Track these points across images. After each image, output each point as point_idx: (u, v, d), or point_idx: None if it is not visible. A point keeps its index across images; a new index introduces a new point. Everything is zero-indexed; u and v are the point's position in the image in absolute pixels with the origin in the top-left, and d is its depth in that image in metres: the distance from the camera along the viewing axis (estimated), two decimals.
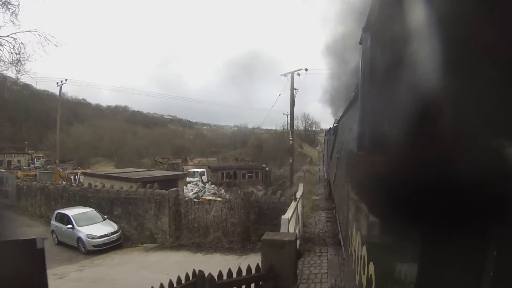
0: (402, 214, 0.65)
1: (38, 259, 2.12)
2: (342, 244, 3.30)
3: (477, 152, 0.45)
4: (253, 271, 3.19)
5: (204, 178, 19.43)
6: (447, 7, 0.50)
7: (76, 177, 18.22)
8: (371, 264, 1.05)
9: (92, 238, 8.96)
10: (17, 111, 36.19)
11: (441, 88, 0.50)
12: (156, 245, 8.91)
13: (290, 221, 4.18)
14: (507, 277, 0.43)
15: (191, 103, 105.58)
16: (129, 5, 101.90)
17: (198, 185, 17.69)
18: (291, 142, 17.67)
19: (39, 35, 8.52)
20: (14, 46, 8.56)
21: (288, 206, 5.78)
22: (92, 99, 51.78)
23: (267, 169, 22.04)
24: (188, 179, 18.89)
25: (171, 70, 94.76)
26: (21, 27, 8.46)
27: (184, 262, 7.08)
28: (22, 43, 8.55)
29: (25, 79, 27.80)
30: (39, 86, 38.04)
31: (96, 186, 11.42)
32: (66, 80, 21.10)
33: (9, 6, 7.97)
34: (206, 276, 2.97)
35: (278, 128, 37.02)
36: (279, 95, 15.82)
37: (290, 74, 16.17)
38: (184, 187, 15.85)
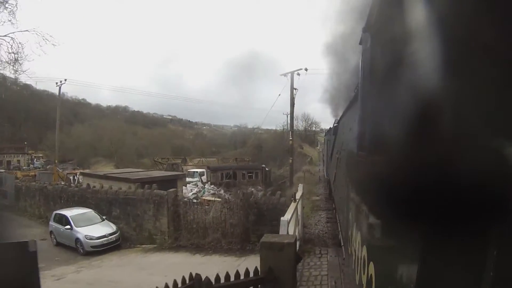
0: (402, 214, 0.65)
1: (31, 262, 2.07)
2: (342, 244, 3.27)
3: (477, 152, 0.45)
4: (251, 274, 3.11)
5: (204, 178, 19.38)
6: (447, 7, 0.50)
7: (75, 177, 18.16)
8: (371, 264, 1.05)
9: (91, 239, 8.91)
10: (17, 111, 36.21)
11: (441, 88, 0.49)
12: (155, 246, 8.85)
13: (289, 223, 4.12)
14: (507, 277, 0.42)
15: (191, 103, 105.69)
16: (129, 5, 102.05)
17: (197, 186, 17.64)
18: (291, 142, 17.65)
19: (37, 34, 8.46)
20: (12, 46, 8.51)
21: (288, 206, 5.72)
22: (92, 99, 51.87)
23: (266, 169, 21.99)
24: (187, 179, 18.85)
25: (171, 70, 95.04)
26: (19, 27, 8.42)
27: (182, 264, 7.02)
28: (20, 42, 8.51)
29: (25, 79, 27.80)
30: (39, 86, 38.14)
31: (94, 186, 11.37)
32: (65, 80, 21.14)
33: (6, 5, 7.92)
34: (203, 279, 2.89)
35: (278, 128, 37.03)
36: (279, 95, 15.86)
37: (290, 74, 16.17)
38: (184, 187, 15.80)
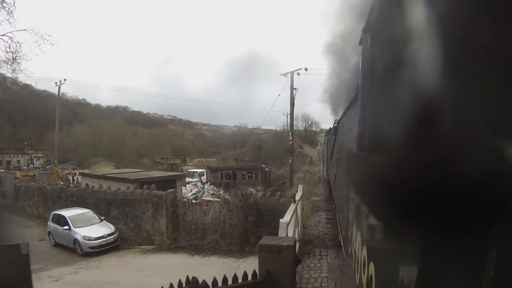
0: (402, 214, 0.65)
1: (23, 265, 2.03)
2: (342, 244, 3.26)
3: (477, 152, 0.45)
4: (249, 278, 3.04)
5: (204, 178, 19.31)
6: (446, 7, 0.50)
7: (75, 177, 18.12)
8: (371, 264, 1.04)
9: (89, 239, 8.86)
10: (17, 111, 36.19)
11: (441, 88, 0.49)
12: (154, 247, 8.79)
13: (289, 225, 4.05)
14: (507, 277, 0.42)
15: (191, 103, 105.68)
16: (129, 5, 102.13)
17: (197, 186, 17.59)
18: (290, 142, 17.60)
19: (35, 33, 8.42)
20: (10, 45, 8.47)
21: (288, 207, 5.66)
22: (92, 99, 51.86)
23: (266, 169, 21.92)
24: (187, 179, 18.79)
25: (171, 70, 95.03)
26: (17, 26, 8.37)
27: (181, 265, 6.96)
28: (18, 42, 8.46)
29: (25, 79, 27.86)
30: (39, 86, 38.20)
31: (93, 186, 11.32)
32: (64, 80, 21.12)
33: (4, 5, 7.88)
34: (200, 283, 2.83)
35: (278, 128, 36.98)
36: (279, 95, 15.81)
37: (290, 74, 16.12)
38: (183, 187, 15.74)
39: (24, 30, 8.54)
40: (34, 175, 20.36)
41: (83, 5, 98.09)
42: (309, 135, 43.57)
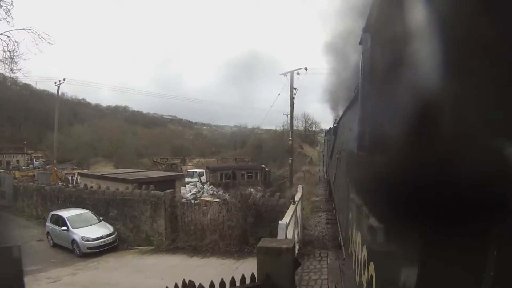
0: (402, 214, 0.65)
1: (14, 268, 1.97)
2: (342, 245, 3.25)
3: (477, 152, 0.45)
4: (248, 281, 2.98)
5: (203, 178, 19.25)
6: (446, 7, 0.50)
7: (74, 177, 18.07)
8: (372, 264, 1.04)
9: (87, 240, 8.80)
10: (16, 111, 36.16)
11: (441, 88, 0.49)
12: (152, 247, 8.74)
13: (288, 226, 3.99)
14: (507, 277, 0.42)
15: (191, 103, 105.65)
16: (128, 5, 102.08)
17: (196, 186, 17.53)
18: (290, 142, 17.53)
19: (33, 33, 8.35)
20: (8, 44, 8.41)
21: (287, 208, 5.60)
22: (92, 99, 51.82)
23: (266, 169, 21.86)
24: (187, 179, 18.73)
25: (171, 70, 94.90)
26: (16, 25, 8.32)
27: (179, 266, 6.90)
28: (15, 41, 8.40)
29: (25, 79, 27.77)
30: (39, 86, 38.17)
31: (92, 187, 11.26)
32: (64, 79, 21.05)
33: (1, 3, 7.82)
34: (197, 286, 2.77)
35: (278, 128, 36.93)
36: (279, 94, 15.76)
37: (289, 74, 16.06)
38: (182, 187, 15.68)
39: (22, 29, 8.47)
40: (34, 175, 20.31)
41: (84, 5, 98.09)
42: (309, 135, 43.52)
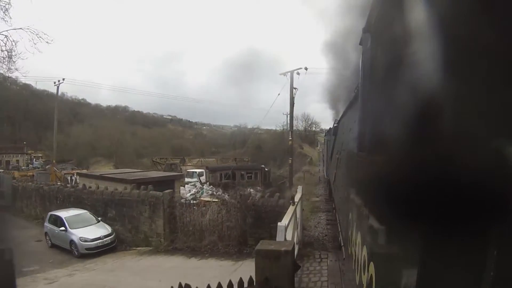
0: (402, 214, 0.65)
1: (6, 271, 1.91)
2: (342, 245, 3.25)
3: (477, 152, 0.45)
4: (245, 285, 2.92)
5: (203, 178, 19.18)
6: (446, 8, 0.49)
7: (73, 177, 18.02)
8: (372, 264, 1.04)
9: (85, 241, 8.74)
10: (16, 111, 36.17)
11: (441, 88, 0.49)
12: (151, 248, 8.67)
13: (287, 228, 3.91)
14: (507, 277, 0.42)
15: (191, 103, 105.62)
16: (128, 5, 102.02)
17: (196, 186, 17.46)
18: (290, 142, 17.46)
19: (31, 32, 8.29)
20: (6, 44, 8.35)
21: (287, 208, 5.53)
22: (92, 99, 51.86)
23: (266, 169, 21.79)
24: (186, 179, 18.66)
25: (171, 70, 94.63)
26: (15, 24, 8.26)
27: (178, 268, 6.83)
28: (13, 40, 8.34)
29: (25, 79, 27.78)
30: (39, 86, 38.16)
31: (90, 187, 11.20)
32: (63, 79, 21.00)
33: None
34: None
35: (278, 128, 36.90)
36: (278, 94, 15.73)
37: (289, 73, 15.99)
38: (182, 187, 15.61)
39: (20, 28, 8.41)
40: (33, 175, 20.28)
41: (84, 5, 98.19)
42: (309, 135, 43.50)
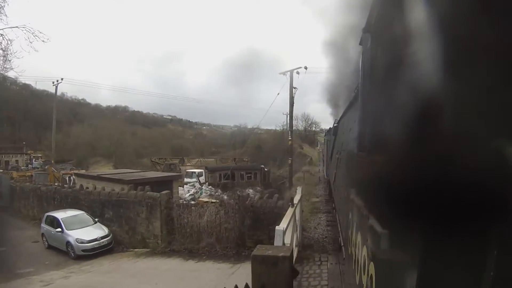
0: (402, 214, 0.65)
1: None
2: (342, 245, 3.24)
3: (477, 152, 0.45)
4: None
5: (202, 179, 19.04)
6: (446, 7, 0.50)
7: (71, 178, 17.91)
8: (372, 264, 1.04)
9: (81, 242, 8.64)
10: (16, 111, 36.14)
11: (441, 88, 0.50)
12: (148, 250, 8.55)
13: (286, 231, 3.78)
14: (507, 277, 0.42)
15: (191, 103, 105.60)
16: (128, 5, 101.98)
17: (195, 186, 17.33)
18: (290, 142, 17.33)
19: (27, 31, 8.18)
20: (1, 42, 8.25)
21: (286, 210, 5.40)
22: (92, 99, 51.82)
23: (265, 169, 21.66)
24: (186, 179, 18.53)
25: (171, 70, 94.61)
26: (9, 23, 8.14)
27: (174, 270, 6.71)
28: (9, 39, 8.23)
29: (24, 79, 27.68)
30: (39, 86, 38.12)
31: (87, 187, 11.09)
32: (62, 79, 20.94)
33: None
34: None
35: (277, 128, 36.79)
36: (278, 93, 15.59)
37: (289, 73, 15.86)
38: (180, 188, 15.48)
39: (15, 27, 8.29)
40: (32, 176, 20.19)
41: (85, 5, 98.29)
42: (309, 135, 43.39)
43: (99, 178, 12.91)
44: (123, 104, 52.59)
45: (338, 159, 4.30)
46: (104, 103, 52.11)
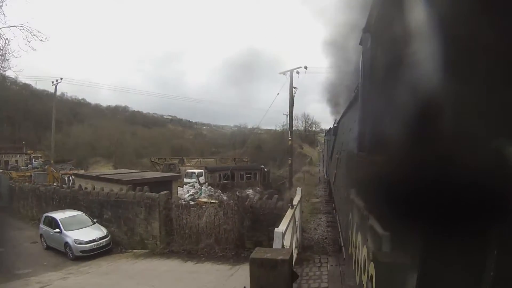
0: (402, 214, 0.66)
1: None
2: (342, 245, 3.24)
3: (477, 152, 0.45)
4: None
5: (202, 179, 18.99)
6: (446, 7, 0.50)
7: (71, 178, 17.87)
8: (372, 264, 1.04)
9: (80, 243, 8.58)
10: (16, 111, 36.14)
11: (441, 88, 0.50)
12: (146, 251, 8.50)
13: (285, 234, 3.72)
14: (507, 277, 0.42)
15: (191, 103, 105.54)
16: (128, 5, 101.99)
17: (194, 187, 17.28)
18: (290, 142, 17.27)
19: (25, 30, 8.13)
20: None
21: (285, 211, 5.35)
22: (92, 99, 51.69)
23: (265, 170, 21.60)
24: (185, 180, 18.47)
25: (171, 70, 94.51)
26: (9, 23, 8.10)
27: (173, 272, 6.66)
28: (7, 38, 8.19)
29: (24, 78, 27.66)
30: (39, 86, 38.10)
31: (86, 188, 11.04)
32: (61, 79, 20.91)
33: None
34: None
35: (277, 128, 36.74)
36: (278, 93, 15.51)
37: (289, 72, 15.81)
38: (180, 188, 15.42)
39: (13, 26, 8.25)
40: (31, 176, 20.16)
41: (85, 5, 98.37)
42: (309, 135, 43.34)
43: (98, 178, 12.86)
44: (123, 104, 52.60)
45: (338, 159, 4.36)
46: (104, 103, 52.08)
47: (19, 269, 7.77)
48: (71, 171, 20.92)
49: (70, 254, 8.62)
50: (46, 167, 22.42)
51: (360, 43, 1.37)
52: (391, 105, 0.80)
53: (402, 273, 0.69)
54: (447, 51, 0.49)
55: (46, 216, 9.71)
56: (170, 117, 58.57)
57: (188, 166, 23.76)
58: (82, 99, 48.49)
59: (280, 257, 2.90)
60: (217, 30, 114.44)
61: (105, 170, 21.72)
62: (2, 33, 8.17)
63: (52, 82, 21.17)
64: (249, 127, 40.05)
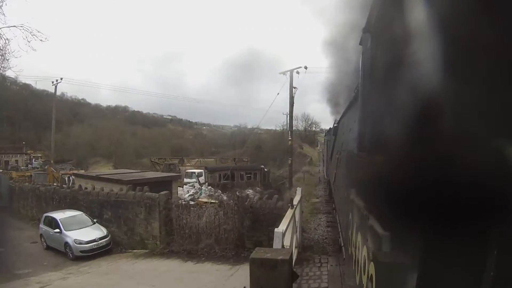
0: (402, 214, 0.66)
1: None
2: (342, 245, 3.25)
3: (477, 152, 0.45)
4: None
5: (202, 179, 18.99)
6: (446, 8, 0.50)
7: (70, 178, 17.86)
8: (372, 264, 1.04)
9: (80, 243, 8.58)
10: (16, 111, 36.14)
11: (441, 88, 0.50)
12: (146, 251, 8.50)
13: (285, 234, 3.72)
14: (507, 277, 0.42)
15: (191, 103, 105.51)
16: (128, 5, 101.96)
17: (194, 187, 17.28)
18: (290, 142, 17.27)
19: (25, 30, 8.13)
20: None
21: (285, 211, 5.35)
22: (92, 99, 51.69)
23: (265, 170, 21.60)
24: (185, 180, 18.47)
25: (171, 70, 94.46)
26: (9, 23, 8.09)
27: (172, 272, 6.66)
28: (7, 38, 8.19)
29: (24, 78, 27.64)
30: (39, 86, 38.09)
31: (86, 188, 11.04)
32: (61, 79, 20.92)
33: None
34: None
35: (277, 128, 36.74)
36: (278, 93, 15.51)
37: (289, 72, 15.82)
38: (180, 188, 15.42)
39: (13, 26, 8.24)
40: (31, 176, 20.15)
41: (85, 5, 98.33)
42: (309, 135, 43.34)
43: (98, 178, 12.86)
44: (123, 104, 52.56)
45: (338, 159, 4.36)
46: (104, 103, 52.03)
47: (19, 269, 7.77)
48: (71, 171, 20.92)
49: (70, 254, 8.63)
50: (46, 167, 22.42)
51: (360, 43, 1.37)
52: (391, 105, 0.80)
53: (402, 273, 0.69)
54: (447, 51, 0.49)
55: (46, 216, 9.72)
56: (170, 117, 58.55)
57: (188, 166, 23.76)
58: (82, 99, 48.56)
59: (280, 257, 2.91)
60: (217, 30, 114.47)
61: (105, 170, 21.72)
62: (2, 33, 8.17)
63: (52, 82, 21.20)
64: (249, 127, 40.09)
